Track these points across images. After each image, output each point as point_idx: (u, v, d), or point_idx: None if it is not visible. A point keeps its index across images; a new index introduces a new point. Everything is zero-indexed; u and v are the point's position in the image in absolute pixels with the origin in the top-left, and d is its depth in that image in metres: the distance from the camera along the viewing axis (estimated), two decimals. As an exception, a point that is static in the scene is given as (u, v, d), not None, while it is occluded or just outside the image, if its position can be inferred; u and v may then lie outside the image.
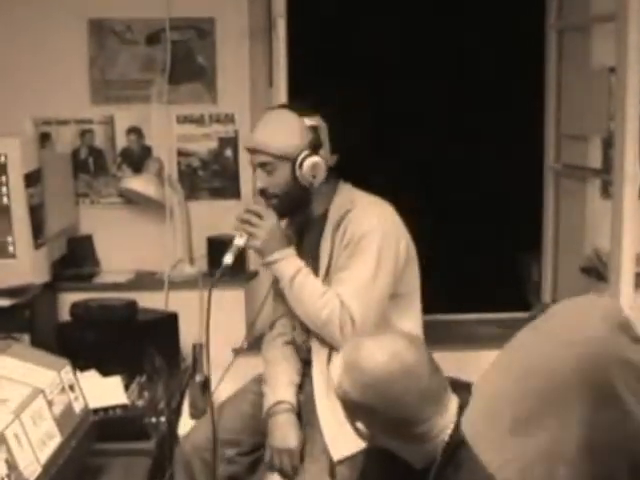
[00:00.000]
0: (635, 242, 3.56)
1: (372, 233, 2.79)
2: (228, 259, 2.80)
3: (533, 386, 1.11)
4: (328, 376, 2.80)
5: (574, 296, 4.10)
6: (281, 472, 2.87)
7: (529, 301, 4.56)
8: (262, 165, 2.85)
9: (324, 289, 2.79)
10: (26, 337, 3.35)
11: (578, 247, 4.16)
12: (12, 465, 1.90)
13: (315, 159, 2.82)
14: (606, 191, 4.03)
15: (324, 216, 2.91)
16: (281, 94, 3.63)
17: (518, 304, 4.50)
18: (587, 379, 1.14)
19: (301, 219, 3.00)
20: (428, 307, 3.63)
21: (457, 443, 1.94)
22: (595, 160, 4.07)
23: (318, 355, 2.86)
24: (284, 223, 3.03)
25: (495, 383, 1.16)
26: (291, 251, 2.85)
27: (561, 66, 4.18)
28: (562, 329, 1.19)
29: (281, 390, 2.93)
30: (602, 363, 1.15)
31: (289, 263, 2.82)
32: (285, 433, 2.85)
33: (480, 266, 5.29)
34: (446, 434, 1.95)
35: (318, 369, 2.85)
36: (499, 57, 5.26)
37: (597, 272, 3.97)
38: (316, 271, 2.86)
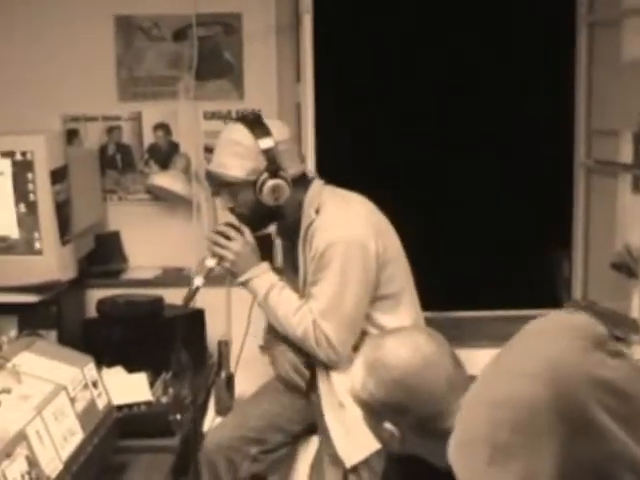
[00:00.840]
0: (666, 238, 3.52)
1: (333, 246, 2.74)
2: (199, 281, 2.81)
3: (503, 417, 1.09)
4: (329, 383, 2.80)
5: (604, 292, 4.12)
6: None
7: (560, 298, 4.51)
8: (223, 189, 2.85)
9: (298, 305, 2.78)
10: (53, 333, 3.36)
11: (609, 243, 4.11)
12: (33, 462, 1.90)
13: (274, 182, 2.77)
14: (637, 186, 3.97)
15: (298, 223, 2.87)
16: (308, 90, 3.61)
17: (549, 301, 4.45)
18: (557, 407, 1.12)
19: (282, 230, 3.00)
20: (458, 304, 3.63)
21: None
22: (626, 155, 4.01)
23: (321, 364, 2.85)
24: (274, 232, 3.05)
25: (472, 411, 1.15)
26: (264, 267, 2.85)
27: (591, 60, 4.13)
28: (530, 355, 1.17)
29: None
30: (572, 387, 1.13)
31: (261, 280, 2.82)
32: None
33: (510, 263, 5.24)
34: None
35: (322, 377, 2.84)
36: (529, 51, 5.21)
37: (628, 268, 3.92)
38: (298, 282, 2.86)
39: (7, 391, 2.06)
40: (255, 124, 2.82)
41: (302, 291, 2.83)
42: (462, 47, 5.27)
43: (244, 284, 2.86)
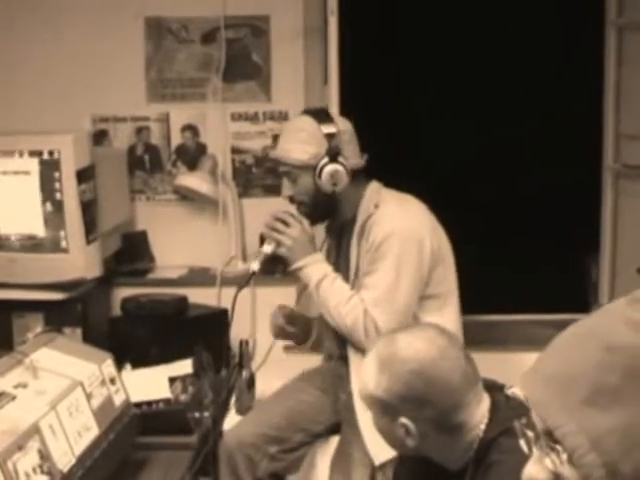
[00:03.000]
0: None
1: (391, 238, 2.79)
2: (255, 266, 2.87)
3: (618, 362, 1.07)
4: None
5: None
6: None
7: (588, 302, 4.49)
8: (285, 174, 2.92)
9: (349, 294, 2.80)
10: (78, 331, 3.41)
11: (637, 247, 4.08)
12: (45, 455, 1.93)
13: (334, 167, 2.84)
14: (666, 191, 3.96)
15: (353, 220, 2.91)
16: (333, 92, 3.63)
17: (577, 305, 4.43)
18: None
19: (336, 223, 3.02)
20: (486, 308, 3.61)
21: (489, 443, 1.93)
22: (655, 160, 4.00)
23: (355, 356, 2.86)
24: (323, 228, 3.05)
25: (578, 347, 1.13)
26: (318, 257, 2.88)
27: (620, 64, 4.10)
28: None
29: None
30: None
31: (315, 269, 2.84)
32: None
33: (538, 267, 5.22)
34: (480, 430, 1.94)
35: (355, 370, 2.85)
36: (557, 54, 5.18)
37: (656, 273, 3.90)
38: (348, 275, 2.86)
39: (23, 386, 2.10)
40: (319, 113, 2.93)
41: (352, 286, 2.85)
42: (489, 50, 5.25)
43: (297, 271, 2.89)
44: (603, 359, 1.08)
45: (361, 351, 2.82)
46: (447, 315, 2.88)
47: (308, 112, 2.97)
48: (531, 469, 1.17)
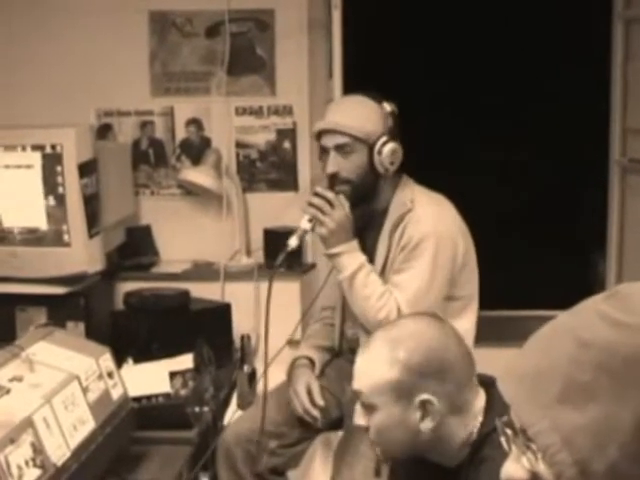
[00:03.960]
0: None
1: (429, 238, 2.76)
2: (293, 242, 2.77)
3: (592, 359, 1.06)
4: None
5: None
6: (301, 421, 2.95)
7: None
8: (339, 147, 2.80)
9: (383, 289, 2.76)
10: (81, 325, 3.41)
11: (643, 243, 4.06)
12: (38, 449, 1.92)
13: (395, 145, 2.79)
14: (673, 186, 3.93)
15: (384, 212, 2.87)
16: (336, 86, 3.62)
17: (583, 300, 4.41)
18: None
19: (362, 213, 2.92)
20: (491, 303, 3.58)
21: (484, 438, 1.91)
22: (662, 154, 3.97)
23: None
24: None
25: (553, 343, 1.12)
26: (355, 245, 2.80)
27: (627, 57, 4.08)
28: (634, 307, 1.13)
29: (303, 348, 3.06)
30: None
31: (352, 257, 2.78)
32: (295, 379, 2.95)
33: (545, 262, 5.20)
34: (478, 421, 1.93)
35: None
36: (564, 48, 5.15)
37: (662, 269, 3.88)
38: None
39: (18, 379, 2.10)
40: (372, 94, 2.85)
41: (379, 275, 2.82)
42: (494, 45, 5.22)
43: (333, 256, 2.80)
44: (577, 355, 1.07)
45: None
46: (466, 318, 2.86)
47: (362, 94, 2.88)
48: (509, 468, 1.16)
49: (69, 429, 2.09)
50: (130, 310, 3.44)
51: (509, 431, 1.18)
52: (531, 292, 4.59)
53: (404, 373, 1.91)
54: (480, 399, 1.97)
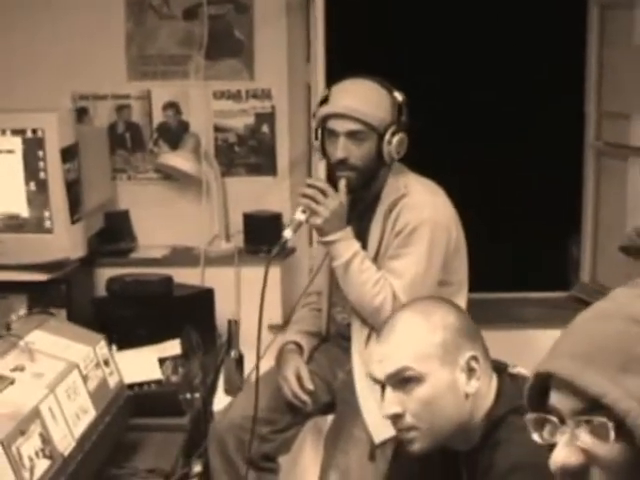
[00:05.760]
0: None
1: (425, 224, 2.77)
2: (288, 233, 2.75)
3: None
4: (367, 357, 2.79)
5: (613, 275, 4.12)
6: (291, 406, 2.94)
7: (569, 281, 4.51)
8: (351, 134, 2.77)
9: (378, 275, 2.76)
10: (63, 312, 3.35)
11: (618, 226, 4.10)
12: (46, 439, 1.90)
13: (403, 136, 2.80)
14: (648, 170, 3.97)
15: (376, 198, 2.86)
16: (319, 70, 3.60)
17: (558, 284, 4.46)
18: None
19: (357, 199, 2.92)
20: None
21: (495, 423, 1.93)
22: (636, 138, 4.01)
23: (358, 335, 2.85)
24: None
25: (602, 324, 1.19)
26: (349, 232, 2.80)
27: (603, 42, 4.11)
28: None
29: (291, 333, 3.06)
30: None
31: (348, 245, 2.78)
32: (284, 365, 2.95)
33: (519, 245, 5.25)
34: (487, 405, 1.94)
35: (357, 349, 2.84)
36: (540, 32, 5.18)
37: (636, 251, 3.91)
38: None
39: (20, 369, 2.06)
40: (381, 81, 2.83)
41: (372, 260, 2.82)
42: (474, 31, 5.24)
43: (328, 244, 2.80)
44: (631, 330, 1.15)
45: (366, 328, 2.82)
46: (458, 303, 2.86)
47: (370, 78, 2.84)
48: (561, 453, 1.17)
49: (73, 418, 2.07)
50: (113, 296, 3.40)
51: (554, 418, 1.19)
52: (506, 275, 4.63)
53: (447, 334, 1.95)
54: (494, 382, 1.98)
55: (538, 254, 5.02)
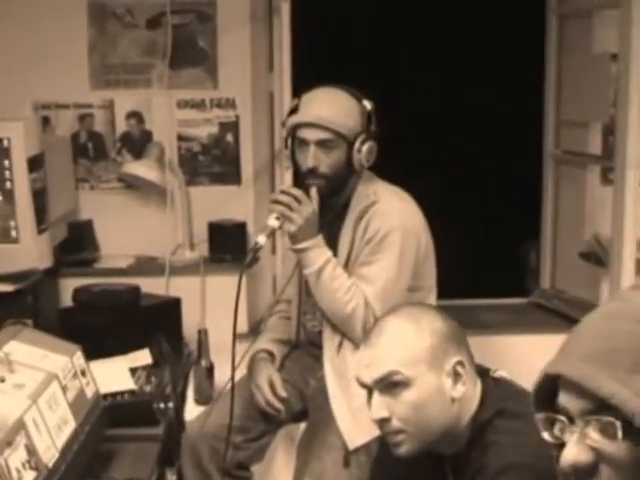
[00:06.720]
0: (636, 228, 3.59)
1: (396, 231, 2.79)
2: (262, 239, 2.73)
3: None
4: (339, 364, 2.81)
5: (572, 281, 4.19)
6: (265, 414, 2.94)
7: (528, 287, 4.57)
8: (321, 142, 2.79)
9: (350, 283, 2.78)
10: (29, 322, 3.32)
11: (577, 233, 4.17)
12: (31, 450, 1.88)
13: (372, 144, 2.82)
14: (606, 178, 4.04)
15: (346, 206, 2.88)
16: (285, 79, 3.61)
17: (517, 290, 4.51)
18: None
19: (327, 206, 2.92)
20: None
21: (482, 426, 1.95)
22: (595, 146, 4.08)
23: (329, 342, 2.86)
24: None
25: (602, 332, 1.21)
26: (321, 239, 2.81)
27: (562, 52, 4.18)
28: None
29: (262, 341, 3.06)
30: None
31: (319, 252, 2.79)
32: (256, 373, 2.95)
33: (478, 252, 5.29)
34: (472, 408, 1.96)
35: (328, 356, 2.86)
36: (498, 42, 5.24)
37: (596, 257, 3.98)
38: None
39: (1, 380, 2.04)
40: (350, 90, 2.85)
41: (343, 268, 2.83)
42: (430, 35, 5.29)
43: (300, 251, 2.80)
44: (639, 331, 1.17)
45: (338, 335, 2.83)
46: None
47: (339, 86, 2.86)
48: (572, 451, 1.19)
49: (55, 429, 2.05)
50: (80, 306, 3.38)
51: (563, 417, 1.22)
52: (465, 282, 4.66)
53: (434, 339, 1.97)
54: (478, 386, 2.01)
55: (498, 260, 5.07)
